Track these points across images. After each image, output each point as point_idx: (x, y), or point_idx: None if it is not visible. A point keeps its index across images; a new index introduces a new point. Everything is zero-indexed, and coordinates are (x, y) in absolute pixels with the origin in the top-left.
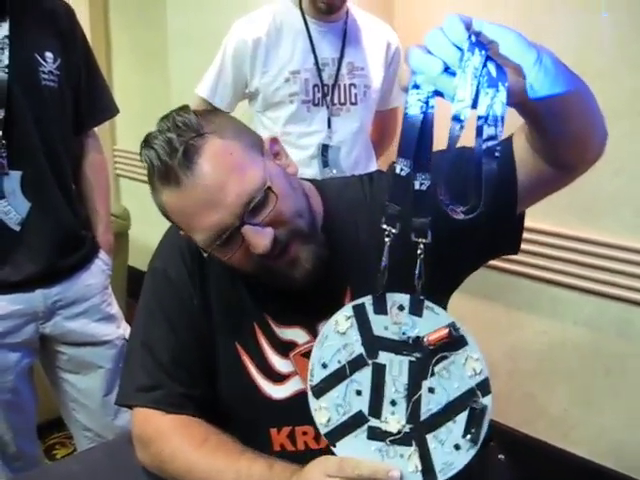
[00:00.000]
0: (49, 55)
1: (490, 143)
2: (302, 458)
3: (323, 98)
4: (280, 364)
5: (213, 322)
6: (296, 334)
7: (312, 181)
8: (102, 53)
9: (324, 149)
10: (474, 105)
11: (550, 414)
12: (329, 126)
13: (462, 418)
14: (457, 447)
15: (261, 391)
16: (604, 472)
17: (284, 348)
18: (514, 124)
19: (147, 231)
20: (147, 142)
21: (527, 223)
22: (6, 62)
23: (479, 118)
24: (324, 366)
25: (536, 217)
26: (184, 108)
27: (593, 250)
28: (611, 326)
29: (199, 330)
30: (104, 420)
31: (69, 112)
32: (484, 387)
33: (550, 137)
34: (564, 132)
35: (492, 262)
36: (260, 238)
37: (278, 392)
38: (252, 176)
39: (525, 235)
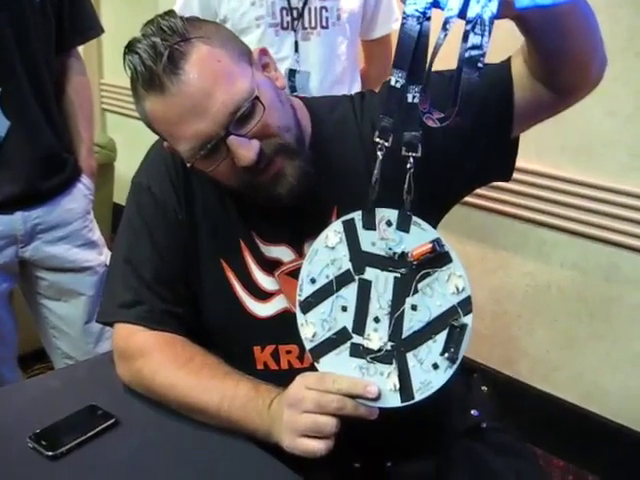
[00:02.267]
0: None
1: (474, 52)
2: (285, 377)
3: (292, 21)
4: (265, 282)
5: (198, 238)
6: (282, 252)
7: (302, 98)
8: None
9: (291, 74)
10: (463, 14)
11: (532, 356)
12: (296, 50)
13: (442, 337)
14: (435, 366)
15: (246, 308)
16: (584, 414)
17: (269, 266)
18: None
19: (134, 167)
20: (130, 47)
21: (519, 163)
22: None
23: (467, 23)
24: (313, 281)
25: (528, 158)
26: (170, 12)
27: (585, 192)
28: (597, 270)
29: (183, 246)
30: (85, 348)
31: (51, 29)
32: (465, 305)
33: (549, 55)
34: (563, 48)
35: (482, 202)
36: (246, 150)
37: (263, 310)
38: (240, 85)
39: (516, 176)
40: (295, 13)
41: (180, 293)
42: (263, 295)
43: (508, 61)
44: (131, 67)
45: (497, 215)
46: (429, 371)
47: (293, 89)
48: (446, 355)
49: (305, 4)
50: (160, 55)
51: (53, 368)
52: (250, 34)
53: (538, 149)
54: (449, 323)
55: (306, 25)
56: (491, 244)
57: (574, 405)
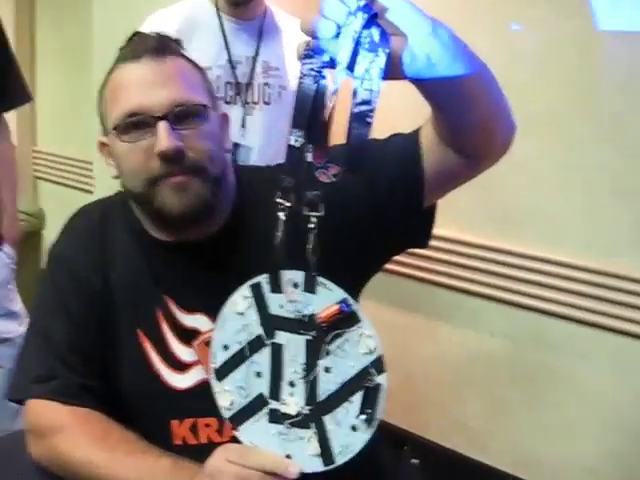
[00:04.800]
0: None
1: (363, 107)
2: (204, 451)
3: (236, 96)
4: (183, 352)
5: (115, 308)
6: (199, 321)
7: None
8: (27, 54)
9: (235, 147)
10: (351, 69)
11: (467, 426)
12: (243, 125)
13: (357, 398)
14: (354, 428)
15: (163, 380)
16: None
17: (187, 336)
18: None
19: None
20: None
21: (446, 233)
22: None
23: (355, 80)
24: (225, 348)
25: (457, 228)
26: None
27: (511, 261)
28: (526, 337)
29: (99, 316)
30: (2, 423)
31: None
32: (378, 365)
33: (451, 121)
34: (464, 115)
35: (411, 271)
36: (168, 137)
37: (181, 382)
38: (197, 96)
39: (444, 245)
40: (238, 88)
41: (96, 365)
42: (181, 366)
43: (418, 130)
44: (120, 50)
45: (427, 284)
46: (348, 434)
47: (234, 162)
48: (363, 417)
49: (250, 80)
50: (151, 40)
51: None
52: None
53: (467, 219)
54: (363, 384)
55: (249, 100)
56: (422, 313)
57: (509, 475)
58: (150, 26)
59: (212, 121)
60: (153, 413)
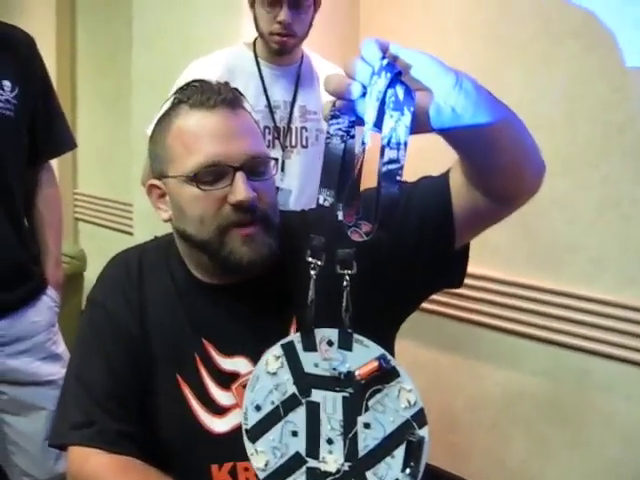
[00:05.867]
0: (7, 83)
1: (391, 166)
2: None
3: (274, 140)
4: (221, 397)
5: (152, 352)
6: (239, 364)
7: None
8: (68, 99)
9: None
10: (379, 127)
11: (509, 466)
12: (282, 169)
13: (400, 452)
14: None
15: (202, 424)
16: None
17: (226, 380)
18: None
19: None
20: (188, 83)
21: (487, 272)
22: None
23: (382, 138)
24: (257, 408)
25: (495, 267)
26: None
27: (552, 300)
28: (569, 377)
29: (137, 362)
30: (45, 465)
31: (24, 143)
32: (419, 418)
33: (480, 168)
34: (492, 161)
35: (452, 311)
36: (246, 188)
37: (219, 425)
38: (264, 148)
39: (484, 285)
40: (277, 132)
41: (134, 411)
42: (219, 410)
43: (447, 172)
44: (182, 91)
45: (468, 324)
46: None
47: None
48: (407, 471)
49: (288, 124)
50: (222, 92)
51: None
52: None
53: (505, 258)
54: (405, 438)
55: (287, 144)
56: (463, 353)
57: None
58: (192, 73)
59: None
60: (192, 458)
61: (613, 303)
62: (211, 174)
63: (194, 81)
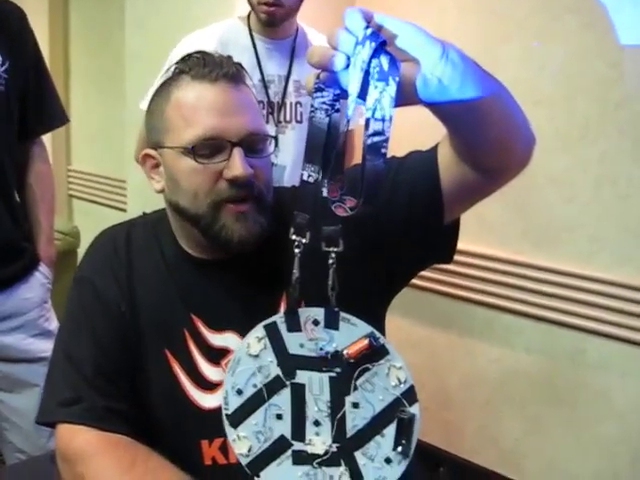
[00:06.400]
0: None
1: (376, 138)
2: (234, 471)
3: (269, 115)
4: (211, 372)
5: (141, 329)
6: (228, 340)
7: None
8: (61, 75)
9: None
10: (363, 99)
11: (502, 444)
12: (276, 144)
13: (390, 431)
14: (388, 461)
15: (192, 400)
16: None
17: (215, 355)
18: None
19: None
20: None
21: (481, 250)
22: None
23: (367, 110)
24: (239, 392)
25: (490, 244)
26: None
27: (547, 278)
28: (563, 355)
29: (126, 338)
30: (38, 442)
31: (15, 118)
32: (410, 396)
33: (469, 142)
34: (482, 137)
35: (446, 289)
36: (243, 164)
37: (209, 401)
38: (264, 126)
39: (479, 262)
40: (271, 107)
41: (123, 387)
42: (209, 386)
43: (435, 147)
44: (184, 62)
45: (463, 302)
46: (382, 467)
47: None
48: (399, 449)
49: (283, 98)
50: (225, 65)
51: (4, 462)
52: None
53: (501, 236)
54: (396, 416)
55: (281, 119)
56: (457, 331)
57: None
58: (186, 47)
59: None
60: (182, 433)
61: (609, 281)
62: (208, 147)
63: (196, 52)
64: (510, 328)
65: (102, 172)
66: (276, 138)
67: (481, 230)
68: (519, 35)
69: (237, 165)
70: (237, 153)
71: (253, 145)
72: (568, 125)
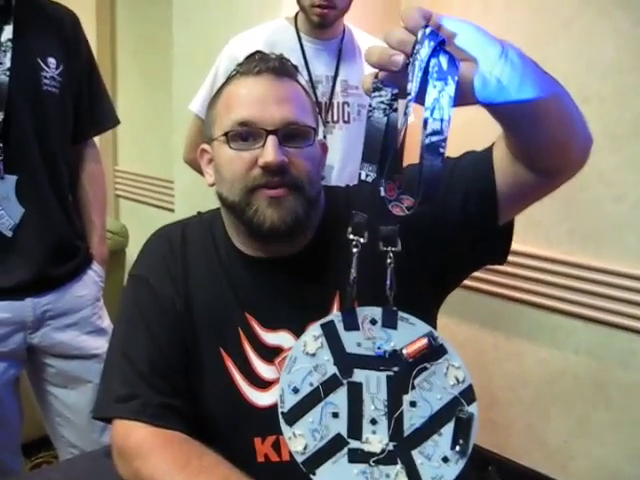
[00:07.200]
0: (52, 61)
1: (434, 138)
2: (287, 469)
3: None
4: (265, 370)
5: (197, 327)
6: (282, 338)
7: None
8: (108, 75)
9: None
10: (422, 98)
11: (549, 445)
12: (324, 136)
13: (448, 430)
14: (445, 460)
15: (245, 398)
16: None
17: (269, 353)
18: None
19: None
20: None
21: (530, 250)
22: (8, 65)
23: (425, 110)
24: (295, 391)
25: (539, 244)
26: None
27: (596, 277)
28: (613, 356)
29: (181, 336)
30: (91, 437)
31: (69, 120)
32: (468, 395)
33: (526, 143)
34: (540, 137)
35: (494, 288)
36: (275, 151)
37: (262, 399)
38: (307, 119)
39: (527, 262)
40: (319, 107)
41: (178, 384)
42: (263, 384)
43: (491, 147)
44: (242, 63)
45: (510, 302)
46: (439, 466)
47: None
48: (457, 448)
49: (330, 99)
50: (272, 60)
51: (57, 457)
52: None
53: (549, 235)
54: (454, 415)
55: (329, 119)
56: (504, 331)
57: None
58: (232, 49)
59: (315, 146)
60: (236, 431)
61: None
62: (242, 134)
63: (255, 52)
64: (558, 328)
65: (149, 172)
66: (319, 133)
67: (529, 229)
68: (566, 32)
69: (269, 151)
70: (271, 140)
71: (291, 136)
72: (618, 123)
